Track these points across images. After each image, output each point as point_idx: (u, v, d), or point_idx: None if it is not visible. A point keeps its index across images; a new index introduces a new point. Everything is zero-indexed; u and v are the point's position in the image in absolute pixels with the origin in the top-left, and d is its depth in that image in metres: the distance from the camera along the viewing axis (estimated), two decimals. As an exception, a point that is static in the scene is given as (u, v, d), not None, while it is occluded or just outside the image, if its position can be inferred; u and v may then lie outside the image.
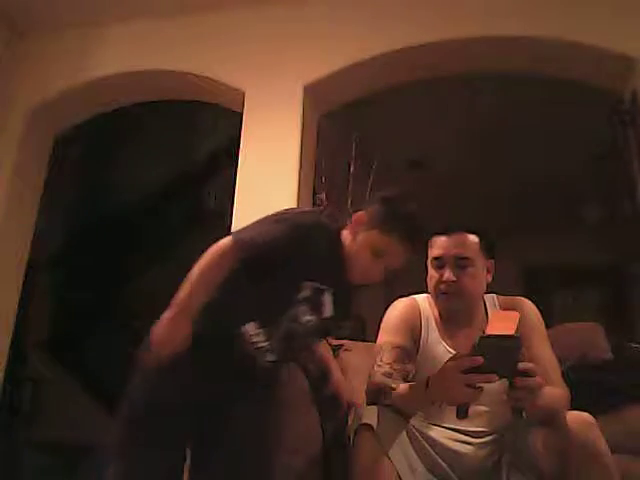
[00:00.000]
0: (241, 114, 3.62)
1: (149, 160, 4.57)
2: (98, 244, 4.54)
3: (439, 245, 1.99)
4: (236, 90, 3.67)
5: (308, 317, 1.69)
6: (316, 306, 1.70)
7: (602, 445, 1.60)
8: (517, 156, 4.78)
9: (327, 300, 1.72)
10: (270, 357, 1.67)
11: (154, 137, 4.45)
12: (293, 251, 1.62)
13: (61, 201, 4.58)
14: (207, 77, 3.76)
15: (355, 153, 3.55)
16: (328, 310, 1.73)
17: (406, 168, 5.08)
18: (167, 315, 1.57)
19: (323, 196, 3.53)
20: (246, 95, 3.63)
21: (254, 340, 1.65)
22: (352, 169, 3.52)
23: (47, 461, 3.96)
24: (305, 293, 1.68)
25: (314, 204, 3.57)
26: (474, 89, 4.02)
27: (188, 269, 1.61)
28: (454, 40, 3.46)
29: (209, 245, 1.63)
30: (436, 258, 1.98)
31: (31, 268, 3.91)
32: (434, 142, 4.70)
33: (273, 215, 1.70)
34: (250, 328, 1.64)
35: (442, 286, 1.96)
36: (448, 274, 1.94)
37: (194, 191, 4.76)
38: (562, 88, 3.70)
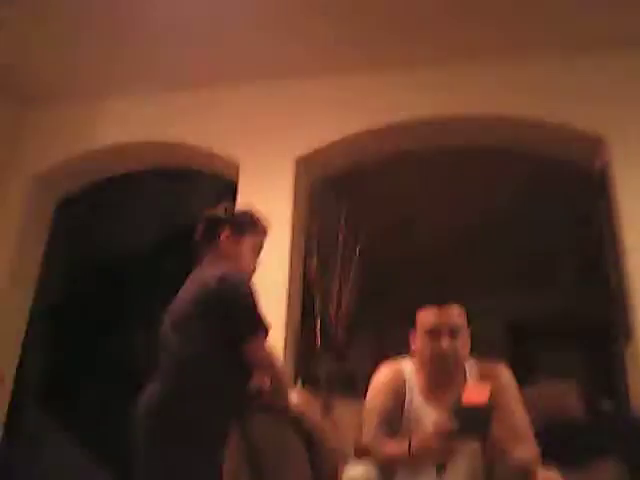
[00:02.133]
0: (236, 183, 3.82)
1: (146, 223, 4.72)
2: (97, 301, 4.65)
3: (433, 317, 2.15)
4: (231, 161, 3.88)
5: None
6: None
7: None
8: (502, 224, 4.96)
9: None
10: None
11: (153, 201, 4.61)
12: None
13: (62, 261, 4.70)
14: (203, 149, 3.98)
15: (344, 222, 3.75)
16: None
17: (392, 232, 5.25)
18: None
19: (314, 260, 3.70)
20: (240, 166, 3.84)
21: None
22: (340, 237, 3.71)
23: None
24: None
25: (305, 267, 3.74)
26: (458, 161, 4.23)
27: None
28: (437, 117, 3.72)
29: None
30: (431, 330, 2.14)
31: (31, 324, 4.02)
32: (419, 208, 4.88)
33: None
34: None
35: (439, 353, 2.10)
36: (447, 343, 2.10)
37: (190, 256, 4.89)
38: (542, 160, 3.93)
